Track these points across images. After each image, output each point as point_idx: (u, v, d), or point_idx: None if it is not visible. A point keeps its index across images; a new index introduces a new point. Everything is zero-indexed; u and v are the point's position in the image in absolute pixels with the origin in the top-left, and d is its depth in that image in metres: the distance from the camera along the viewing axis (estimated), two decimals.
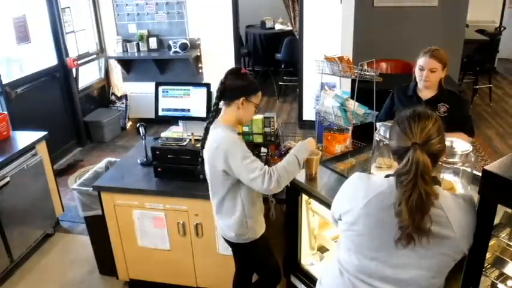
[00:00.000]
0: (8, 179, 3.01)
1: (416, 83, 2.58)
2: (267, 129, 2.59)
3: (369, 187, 1.40)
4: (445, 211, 1.29)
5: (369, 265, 1.39)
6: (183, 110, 2.55)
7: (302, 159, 1.99)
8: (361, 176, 1.48)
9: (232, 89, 1.95)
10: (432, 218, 1.26)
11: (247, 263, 2.34)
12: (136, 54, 5.48)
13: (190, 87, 2.57)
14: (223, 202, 2.07)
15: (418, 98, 2.58)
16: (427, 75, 2.47)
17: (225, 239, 2.20)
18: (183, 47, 5.27)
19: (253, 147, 2.56)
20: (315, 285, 2.15)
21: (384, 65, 4.81)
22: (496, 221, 1.28)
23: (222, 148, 1.91)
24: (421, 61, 2.48)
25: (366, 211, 1.36)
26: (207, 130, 2.03)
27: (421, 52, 2.52)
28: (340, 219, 1.48)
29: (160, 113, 2.59)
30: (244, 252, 2.22)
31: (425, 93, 2.57)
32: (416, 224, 1.25)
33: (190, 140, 2.55)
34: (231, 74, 1.98)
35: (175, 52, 5.29)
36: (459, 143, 1.81)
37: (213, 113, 2.02)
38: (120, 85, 5.88)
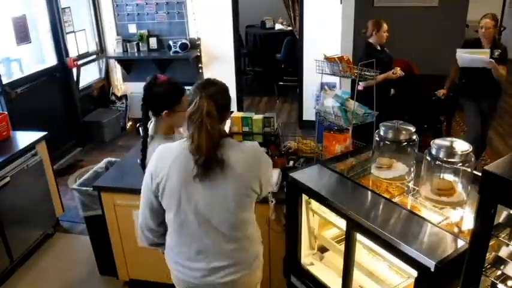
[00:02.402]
0: (8, 179, 3.01)
1: (479, 39, 3.85)
2: (267, 129, 2.59)
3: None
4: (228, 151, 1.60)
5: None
6: None
7: None
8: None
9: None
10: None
11: None
12: (136, 54, 5.48)
13: (191, 87, 2.56)
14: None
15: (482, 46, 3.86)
16: (484, 32, 3.74)
17: None
18: (183, 47, 5.27)
19: None
20: (315, 285, 2.16)
21: None
22: (496, 221, 1.28)
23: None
24: (481, 23, 3.74)
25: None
26: None
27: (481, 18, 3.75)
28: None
29: None
30: None
31: (486, 44, 3.81)
32: (208, 154, 1.53)
33: None
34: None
35: (175, 52, 5.29)
36: (459, 143, 1.81)
37: None
38: (120, 85, 5.88)
